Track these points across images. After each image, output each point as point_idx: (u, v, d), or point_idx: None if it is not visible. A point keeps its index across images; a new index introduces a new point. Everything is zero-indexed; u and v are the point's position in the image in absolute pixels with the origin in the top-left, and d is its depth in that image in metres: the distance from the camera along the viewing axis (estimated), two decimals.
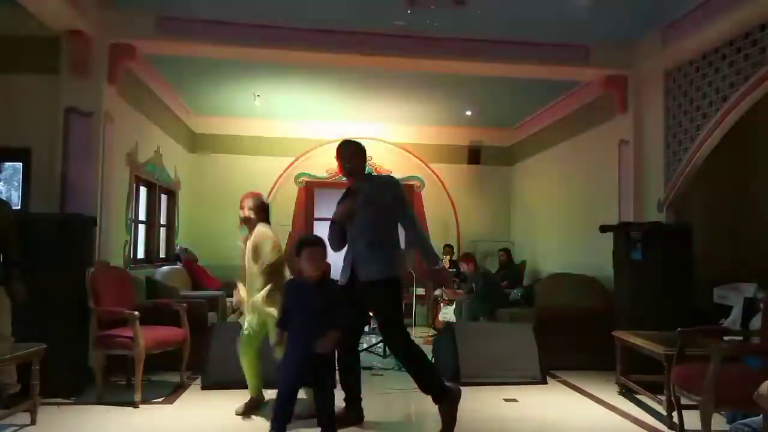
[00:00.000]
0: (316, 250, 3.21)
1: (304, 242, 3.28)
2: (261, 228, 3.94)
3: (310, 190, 9.32)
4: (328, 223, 3.81)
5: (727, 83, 4.76)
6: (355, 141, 3.84)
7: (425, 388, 3.56)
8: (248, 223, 3.99)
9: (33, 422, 3.67)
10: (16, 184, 5.51)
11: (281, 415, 3.11)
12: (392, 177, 4.02)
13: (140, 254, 6.91)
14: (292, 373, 3.13)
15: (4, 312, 3.96)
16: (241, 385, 4.30)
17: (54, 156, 5.06)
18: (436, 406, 3.52)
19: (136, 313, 4.16)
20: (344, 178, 3.94)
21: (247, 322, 3.95)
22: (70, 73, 5.12)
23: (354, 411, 3.77)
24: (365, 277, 3.56)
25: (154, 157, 6.95)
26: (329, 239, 3.68)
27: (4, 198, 4.39)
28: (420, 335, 7.08)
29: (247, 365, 4.01)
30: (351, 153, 3.72)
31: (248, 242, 3.94)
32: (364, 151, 3.81)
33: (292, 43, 5.48)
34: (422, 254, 3.76)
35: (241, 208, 4.01)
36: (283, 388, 3.14)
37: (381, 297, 3.57)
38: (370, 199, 3.63)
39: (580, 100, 6.97)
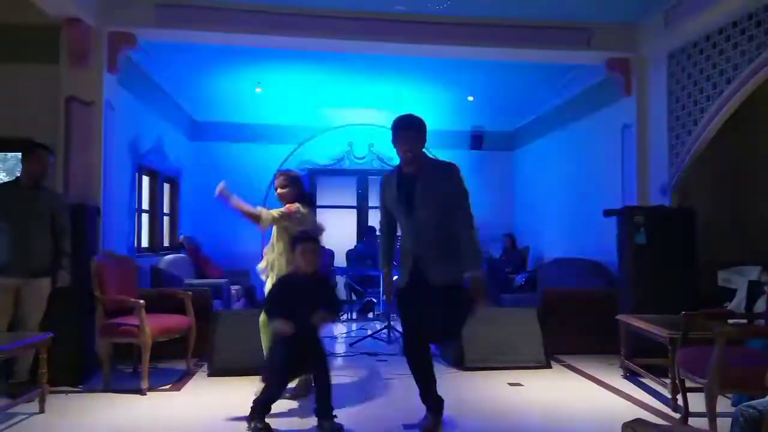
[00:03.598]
0: (310, 246, 3.31)
1: (300, 238, 3.37)
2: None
3: (312, 177, 9.31)
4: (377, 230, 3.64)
5: (731, 65, 4.72)
6: (410, 119, 3.29)
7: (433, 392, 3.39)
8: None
9: (42, 410, 3.71)
10: (18, 174, 5.51)
11: (267, 403, 3.26)
12: (451, 163, 3.34)
13: (144, 243, 6.92)
14: (284, 363, 3.28)
15: (40, 304, 4.05)
16: (247, 371, 4.34)
17: (56, 146, 5.03)
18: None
19: (142, 301, 4.18)
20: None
21: None
22: (70, 62, 5.08)
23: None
24: (440, 280, 3.14)
25: (155, 146, 6.93)
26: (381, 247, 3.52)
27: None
28: None
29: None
30: (412, 136, 3.21)
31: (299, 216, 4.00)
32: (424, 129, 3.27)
33: (292, 28, 5.44)
34: (470, 259, 3.17)
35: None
36: (276, 377, 3.30)
37: (456, 302, 3.18)
38: (433, 189, 3.18)
39: (583, 85, 6.92)
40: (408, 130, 3.23)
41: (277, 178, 4.18)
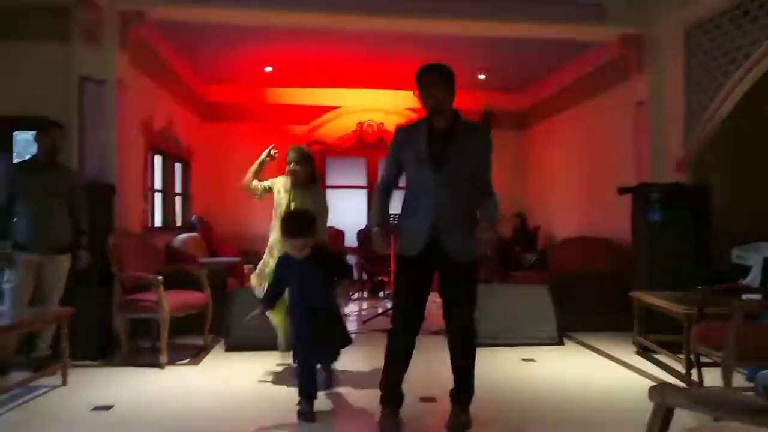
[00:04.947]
0: (296, 242, 3.12)
1: (286, 234, 3.17)
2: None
3: (322, 158, 9.30)
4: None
5: (748, 40, 4.65)
6: (437, 65, 3.01)
7: (469, 383, 3.12)
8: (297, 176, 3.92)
9: (64, 383, 3.79)
10: (29, 156, 5.54)
11: (307, 389, 3.21)
12: (484, 125, 3.04)
13: (157, 222, 6.97)
14: (305, 353, 3.22)
15: (61, 280, 4.12)
16: (263, 346, 4.39)
17: (70, 124, 5.03)
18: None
19: (160, 277, 4.23)
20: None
21: None
22: (82, 41, 5.07)
23: None
24: (460, 257, 2.92)
25: (167, 126, 6.94)
26: (377, 208, 3.06)
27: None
28: (436, 300, 7.15)
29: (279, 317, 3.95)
30: (440, 85, 2.92)
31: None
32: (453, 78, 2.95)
33: (302, 5, 5.41)
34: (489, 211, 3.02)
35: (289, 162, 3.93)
36: (300, 367, 3.25)
37: (473, 279, 3.05)
38: (466, 150, 2.89)
39: (596, 61, 6.85)
40: (435, 77, 2.92)
41: (290, 153, 3.96)
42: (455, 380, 3.13)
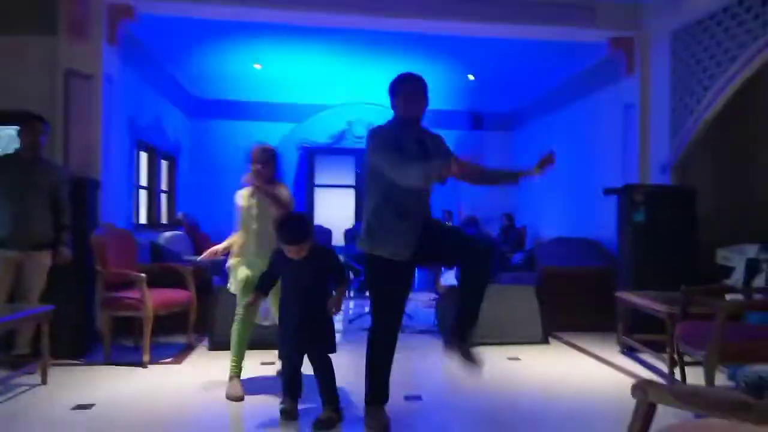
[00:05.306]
0: (294, 248, 3.05)
1: (284, 237, 3.08)
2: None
3: (310, 156, 9.28)
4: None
5: (736, 43, 4.69)
6: (419, 77, 3.08)
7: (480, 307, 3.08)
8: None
9: (44, 381, 3.72)
10: (12, 151, 5.46)
11: (290, 390, 3.20)
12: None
13: (142, 220, 6.91)
14: (289, 348, 3.17)
15: (41, 277, 4.05)
16: (248, 345, 4.34)
17: (55, 119, 4.98)
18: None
19: (144, 275, 4.18)
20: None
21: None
22: (68, 35, 5.01)
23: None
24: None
25: (154, 122, 6.88)
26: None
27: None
28: (422, 299, 7.15)
29: (243, 335, 3.66)
30: (423, 95, 3.02)
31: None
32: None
33: (291, 2, 5.39)
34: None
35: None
36: (284, 364, 3.23)
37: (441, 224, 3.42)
38: (438, 156, 3.00)
39: (585, 63, 6.89)
40: (418, 87, 3.02)
41: (255, 152, 3.73)
42: (469, 312, 3.06)
